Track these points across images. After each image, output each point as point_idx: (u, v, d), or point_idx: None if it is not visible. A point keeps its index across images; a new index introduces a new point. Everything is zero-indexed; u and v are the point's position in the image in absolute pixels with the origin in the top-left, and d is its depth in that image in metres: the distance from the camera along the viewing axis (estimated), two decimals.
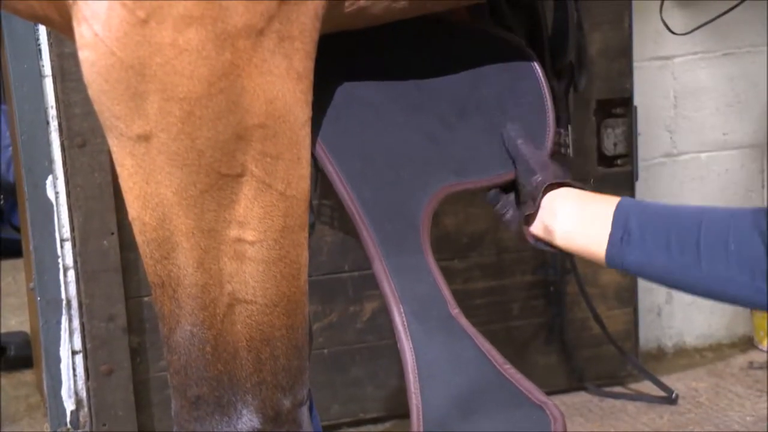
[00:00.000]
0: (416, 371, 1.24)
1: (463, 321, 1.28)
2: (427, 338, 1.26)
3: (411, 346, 1.25)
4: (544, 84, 1.48)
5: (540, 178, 1.36)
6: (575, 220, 1.34)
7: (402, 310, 1.26)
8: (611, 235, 1.30)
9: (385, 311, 1.29)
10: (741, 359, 2.85)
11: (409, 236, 1.31)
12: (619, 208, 1.31)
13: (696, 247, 1.24)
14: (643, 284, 2.67)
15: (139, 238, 1.17)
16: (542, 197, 1.35)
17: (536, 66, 1.48)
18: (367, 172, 1.34)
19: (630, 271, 1.33)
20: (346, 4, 1.26)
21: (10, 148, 3.37)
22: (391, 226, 1.31)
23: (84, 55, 1.11)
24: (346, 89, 1.37)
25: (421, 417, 1.22)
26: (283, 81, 1.15)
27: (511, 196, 1.41)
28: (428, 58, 1.45)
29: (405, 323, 1.26)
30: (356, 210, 1.31)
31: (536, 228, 1.37)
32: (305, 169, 1.18)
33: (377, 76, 1.40)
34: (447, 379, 1.24)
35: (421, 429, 1.22)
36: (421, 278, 1.29)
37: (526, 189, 1.37)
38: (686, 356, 2.89)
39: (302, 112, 1.17)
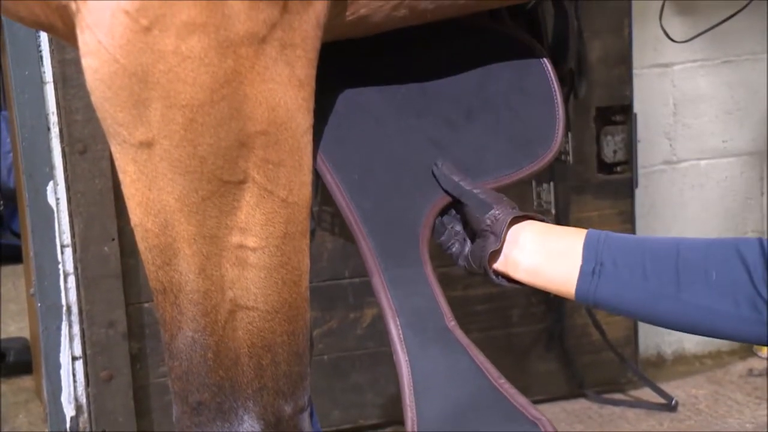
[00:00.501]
0: (411, 384, 1.23)
1: (459, 333, 1.27)
2: (423, 351, 1.25)
3: (407, 358, 1.25)
4: (554, 80, 1.44)
5: (498, 212, 1.28)
6: (542, 253, 1.26)
7: (398, 322, 1.26)
8: (582, 268, 1.23)
9: None
10: (740, 366, 2.84)
11: (408, 247, 1.30)
12: (588, 240, 1.24)
13: (675, 276, 1.18)
14: None
15: (141, 245, 1.17)
16: (507, 231, 1.27)
17: (546, 62, 1.45)
18: (367, 181, 1.33)
19: (602, 305, 1.24)
20: (348, 12, 1.26)
21: (11, 155, 3.37)
22: (391, 237, 1.30)
23: (87, 62, 1.11)
24: (347, 96, 1.37)
25: (416, 429, 1.22)
26: (285, 88, 1.15)
27: (457, 226, 1.34)
28: (432, 59, 1.43)
29: (401, 336, 1.25)
30: (355, 222, 1.30)
31: (499, 263, 1.29)
32: (307, 176, 1.19)
33: (379, 81, 1.39)
34: (442, 392, 1.24)
35: None
36: (418, 290, 1.28)
37: (482, 224, 1.28)
38: (686, 363, 2.89)
39: (304, 120, 1.18)
